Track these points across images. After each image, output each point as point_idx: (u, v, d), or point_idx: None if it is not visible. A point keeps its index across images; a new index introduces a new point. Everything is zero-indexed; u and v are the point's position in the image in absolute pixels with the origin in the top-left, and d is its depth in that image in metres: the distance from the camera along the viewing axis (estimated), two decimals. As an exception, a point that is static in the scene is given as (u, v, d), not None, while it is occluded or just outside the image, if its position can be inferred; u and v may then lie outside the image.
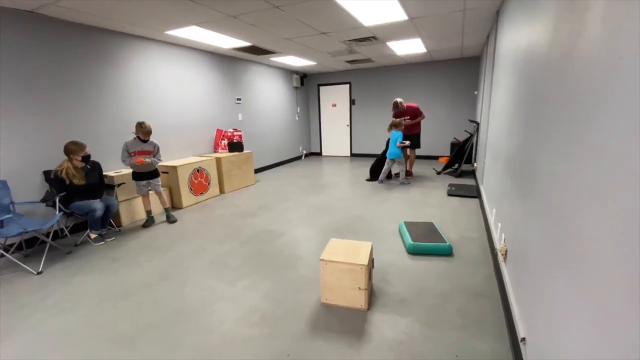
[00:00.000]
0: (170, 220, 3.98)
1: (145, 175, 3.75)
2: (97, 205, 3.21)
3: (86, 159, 3.27)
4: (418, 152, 6.10)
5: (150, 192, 3.90)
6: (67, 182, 3.16)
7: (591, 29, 0.97)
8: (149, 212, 3.94)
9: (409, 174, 5.98)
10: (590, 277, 0.87)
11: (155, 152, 3.77)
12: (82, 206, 3.21)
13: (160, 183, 3.94)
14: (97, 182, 3.44)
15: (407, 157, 5.95)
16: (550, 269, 1.20)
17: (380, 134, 8.24)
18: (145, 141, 3.68)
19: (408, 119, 5.68)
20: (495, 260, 2.50)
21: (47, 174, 3.39)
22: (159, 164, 3.86)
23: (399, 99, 5.61)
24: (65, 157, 3.21)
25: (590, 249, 0.88)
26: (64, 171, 3.15)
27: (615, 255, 0.75)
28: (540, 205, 1.39)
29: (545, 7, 1.57)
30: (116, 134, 4.12)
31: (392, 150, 5.40)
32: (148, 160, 3.64)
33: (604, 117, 0.85)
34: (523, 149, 1.87)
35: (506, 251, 2.14)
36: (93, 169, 3.41)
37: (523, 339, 1.51)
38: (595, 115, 0.90)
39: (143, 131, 3.60)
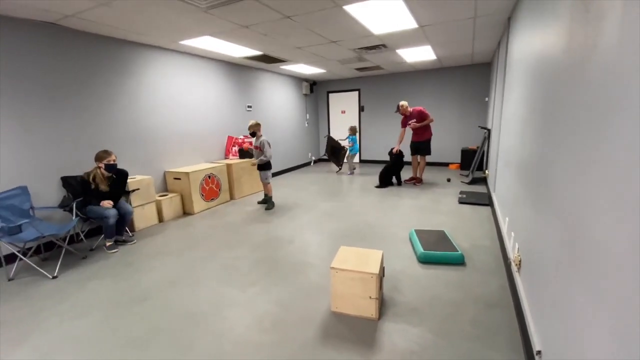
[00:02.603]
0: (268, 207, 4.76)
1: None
2: (111, 212, 3.26)
3: (112, 167, 3.34)
4: (428, 158, 6.07)
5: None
6: (93, 187, 3.26)
7: (607, 34, 0.96)
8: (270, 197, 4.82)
9: (419, 180, 5.95)
10: (610, 288, 0.85)
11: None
12: (97, 211, 3.28)
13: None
14: (118, 189, 3.49)
15: (417, 164, 5.93)
16: (567, 279, 1.18)
17: (389, 141, 8.22)
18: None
19: (415, 121, 5.67)
20: (509, 269, 2.45)
21: (64, 180, 3.49)
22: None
23: (401, 102, 5.70)
24: (96, 164, 3.32)
25: (609, 260, 0.86)
26: (91, 175, 3.27)
27: (635, 266, 0.73)
28: (556, 214, 1.37)
29: (559, 13, 1.56)
30: (131, 140, 4.22)
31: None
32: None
33: (621, 123, 0.84)
34: (537, 156, 1.85)
35: (520, 261, 2.10)
36: (118, 178, 3.47)
37: (539, 352, 1.47)
38: (612, 122, 0.89)
39: None
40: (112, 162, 3.32)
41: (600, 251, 0.92)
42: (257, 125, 4.63)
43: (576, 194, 1.15)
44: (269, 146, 4.58)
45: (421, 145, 5.76)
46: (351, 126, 7.18)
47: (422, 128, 5.67)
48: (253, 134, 4.63)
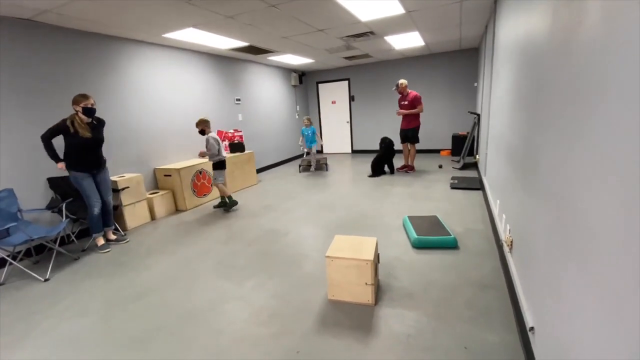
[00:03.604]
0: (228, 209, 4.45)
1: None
2: (96, 204, 3.21)
3: (91, 111, 3.09)
4: (419, 146, 6.09)
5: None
6: (72, 131, 3.02)
7: (591, 14, 0.96)
8: (230, 197, 4.42)
9: (410, 168, 5.98)
10: (599, 265, 0.87)
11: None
12: (80, 182, 3.12)
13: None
14: (101, 139, 3.31)
15: (407, 151, 5.95)
16: (558, 257, 1.21)
17: (380, 130, 8.23)
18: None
19: (406, 103, 5.64)
20: (501, 251, 2.50)
21: (51, 180, 3.41)
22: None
23: (401, 80, 5.64)
24: (73, 109, 3.07)
25: (598, 237, 0.88)
26: (68, 120, 3.02)
27: (624, 242, 0.75)
28: (546, 195, 1.39)
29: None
30: (118, 138, 4.13)
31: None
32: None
33: (607, 103, 0.84)
34: (525, 138, 1.87)
35: (512, 242, 2.14)
36: (99, 125, 3.27)
37: (532, 328, 1.51)
38: (598, 102, 0.89)
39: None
40: (90, 106, 3.05)
41: (588, 229, 0.93)
42: (203, 122, 4.20)
43: (563, 174, 1.16)
44: (215, 143, 4.20)
45: (409, 133, 5.77)
46: (305, 117, 6.68)
47: (411, 115, 5.66)
48: (202, 132, 4.22)
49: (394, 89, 5.87)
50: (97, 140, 3.22)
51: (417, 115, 5.70)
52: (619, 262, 0.76)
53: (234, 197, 4.58)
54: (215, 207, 4.57)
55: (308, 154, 6.91)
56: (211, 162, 4.34)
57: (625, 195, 0.74)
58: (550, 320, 1.27)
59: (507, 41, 2.77)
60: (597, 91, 0.90)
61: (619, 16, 0.79)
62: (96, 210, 3.22)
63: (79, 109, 3.04)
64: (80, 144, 3.09)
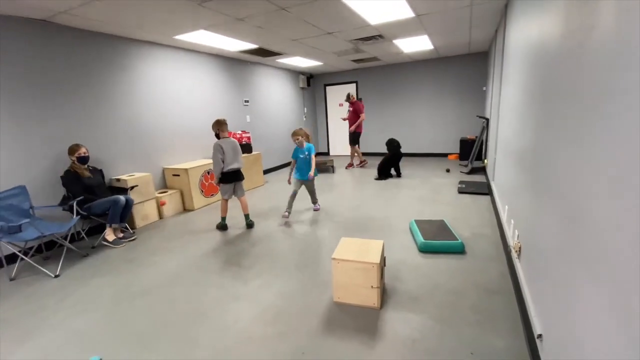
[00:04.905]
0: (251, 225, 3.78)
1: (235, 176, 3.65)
2: (122, 197, 3.40)
3: (84, 159, 3.40)
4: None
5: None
6: (77, 175, 3.33)
7: (605, 17, 0.95)
8: (223, 218, 3.76)
9: (350, 165, 7.11)
10: (610, 272, 0.86)
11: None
12: (104, 203, 3.34)
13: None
14: (103, 183, 3.61)
15: (354, 152, 6.96)
16: (568, 264, 1.19)
17: (387, 133, 8.21)
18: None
19: (350, 110, 6.70)
20: (509, 257, 2.47)
21: (63, 178, 3.47)
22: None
23: (351, 92, 6.70)
24: (70, 158, 3.39)
25: (609, 244, 0.87)
26: (71, 169, 3.34)
27: (634, 249, 0.74)
28: (556, 201, 1.37)
29: None
30: (128, 137, 4.20)
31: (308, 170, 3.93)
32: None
33: (621, 107, 0.83)
34: (536, 143, 1.85)
35: (520, 248, 2.12)
36: (94, 171, 3.56)
37: (540, 336, 1.49)
38: (611, 106, 0.89)
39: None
40: (82, 155, 3.37)
41: (600, 235, 0.92)
42: (216, 123, 3.55)
43: (575, 180, 1.15)
44: (218, 151, 3.44)
45: (350, 137, 6.76)
46: (298, 130, 3.86)
47: (351, 121, 6.65)
48: (217, 136, 3.60)
49: (345, 100, 6.70)
50: (99, 184, 3.53)
51: (356, 122, 6.58)
52: (633, 270, 0.75)
53: (234, 199, 3.88)
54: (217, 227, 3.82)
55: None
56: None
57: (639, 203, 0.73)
58: (559, 328, 1.25)
59: (518, 45, 2.75)
60: (612, 95, 0.89)
61: (634, 19, 0.78)
62: (121, 203, 3.39)
63: (74, 158, 3.36)
64: (86, 185, 3.37)
